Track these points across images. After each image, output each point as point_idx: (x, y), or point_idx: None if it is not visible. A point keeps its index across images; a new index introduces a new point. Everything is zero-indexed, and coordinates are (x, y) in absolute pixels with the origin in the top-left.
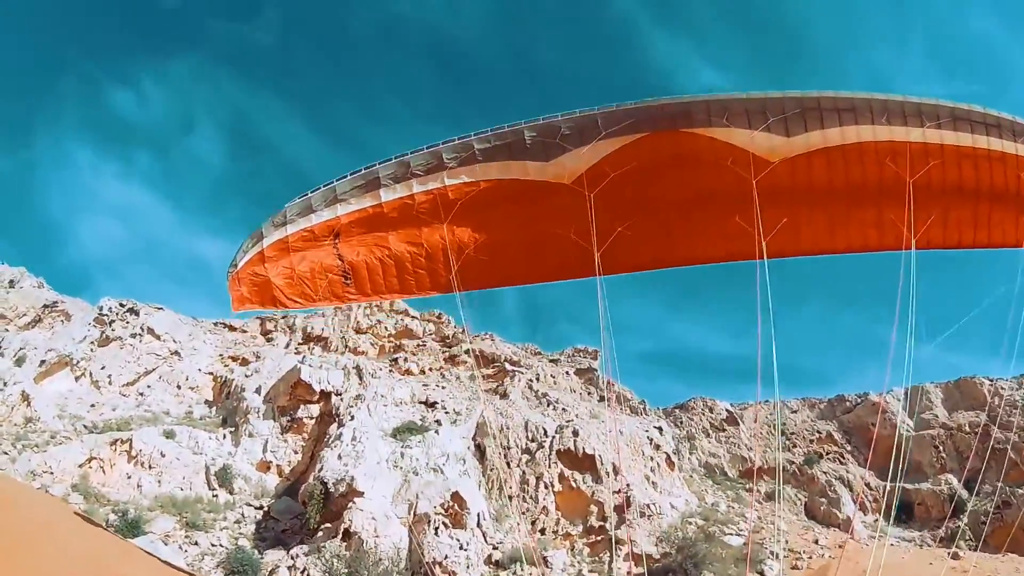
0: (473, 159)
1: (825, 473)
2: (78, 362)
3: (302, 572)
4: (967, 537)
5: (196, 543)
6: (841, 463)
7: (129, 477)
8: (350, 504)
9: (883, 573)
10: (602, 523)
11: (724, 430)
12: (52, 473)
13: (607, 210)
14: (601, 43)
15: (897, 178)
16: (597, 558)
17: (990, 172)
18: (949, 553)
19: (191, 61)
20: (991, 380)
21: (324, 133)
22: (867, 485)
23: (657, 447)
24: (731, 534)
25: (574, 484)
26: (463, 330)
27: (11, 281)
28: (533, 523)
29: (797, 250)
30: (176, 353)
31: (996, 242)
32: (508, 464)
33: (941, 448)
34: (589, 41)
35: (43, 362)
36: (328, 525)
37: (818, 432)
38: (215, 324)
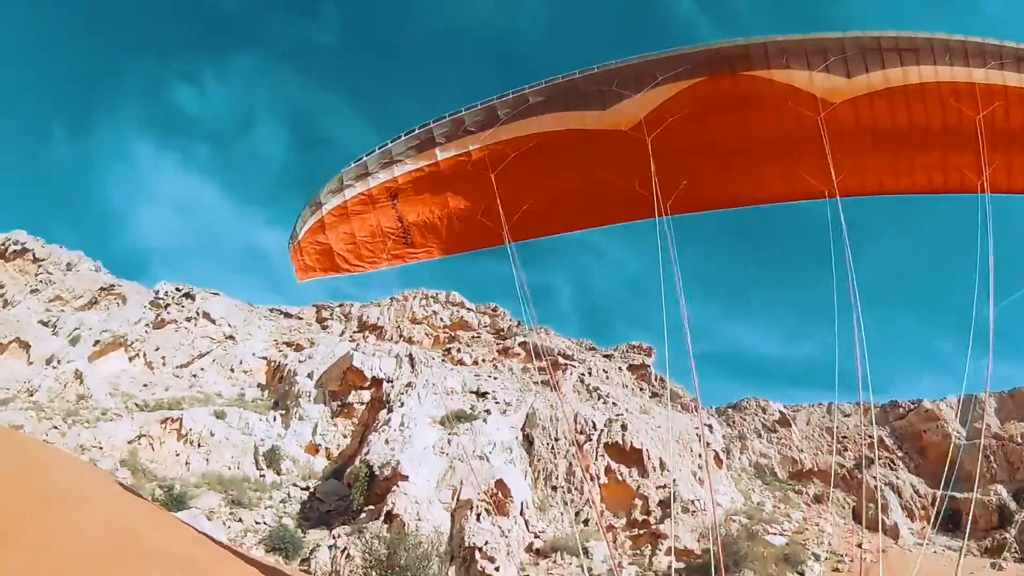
0: (528, 112)
1: (875, 478)
2: (132, 343)
3: (342, 551)
4: (1013, 549)
5: (240, 520)
6: (892, 468)
7: (178, 455)
8: (394, 487)
9: None
10: (645, 517)
11: (776, 431)
12: (101, 448)
13: (667, 155)
14: (663, 45)
15: (961, 119)
16: (639, 551)
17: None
18: (992, 563)
19: (253, 58)
20: None
21: (384, 128)
22: (916, 492)
23: (707, 444)
24: (774, 533)
25: (620, 477)
26: (518, 324)
27: (68, 264)
28: (576, 514)
29: (863, 190)
30: (231, 337)
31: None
32: (555, 455)
33: (992, 458)
34: (651, 49)
35: (97, 342)
36: (371, 507)
37: (869, 437)
38: (270, 310)
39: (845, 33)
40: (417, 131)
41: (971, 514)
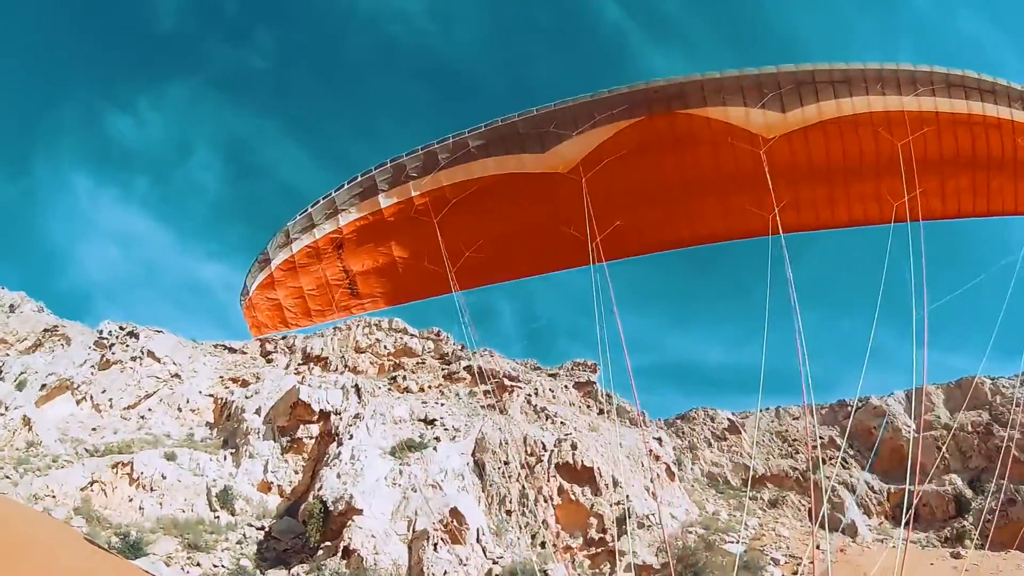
0: (468, 156)
1: (828, 478)
2: (79, 386)
3: None
4: (972, 536)
5: (198, 564)
6: (844, 467)
7: (131, 500)
8: (349, 522)
9: (883, 574)
10: (602, 535)
11: (726, 439)
12: (54, 496)
13: (606, 196)
14: (594, 58)
15: (893, 148)
16: (598, 570)
17: (986, 139)
18: (951, 553)
19: (188, 85)
20: (992, 379)
21: (321, 155)
22: (870, 488)
23: (656, 458)
24: (731, 542)
25: (573, 497)
26: (462, 347)
27: (11, 305)
28: (533, 537)
29: (800, 226)
30: (176, 376)
31: (995, 210)
32: (508, 478)
33: (944, 449)
34: (582, 57)
35: (44, 386)
36: (328, 543)
37: (820, 438)
38: (215, 346)
39: (780, 68)
40: (360, 178)
41: (926, 505)
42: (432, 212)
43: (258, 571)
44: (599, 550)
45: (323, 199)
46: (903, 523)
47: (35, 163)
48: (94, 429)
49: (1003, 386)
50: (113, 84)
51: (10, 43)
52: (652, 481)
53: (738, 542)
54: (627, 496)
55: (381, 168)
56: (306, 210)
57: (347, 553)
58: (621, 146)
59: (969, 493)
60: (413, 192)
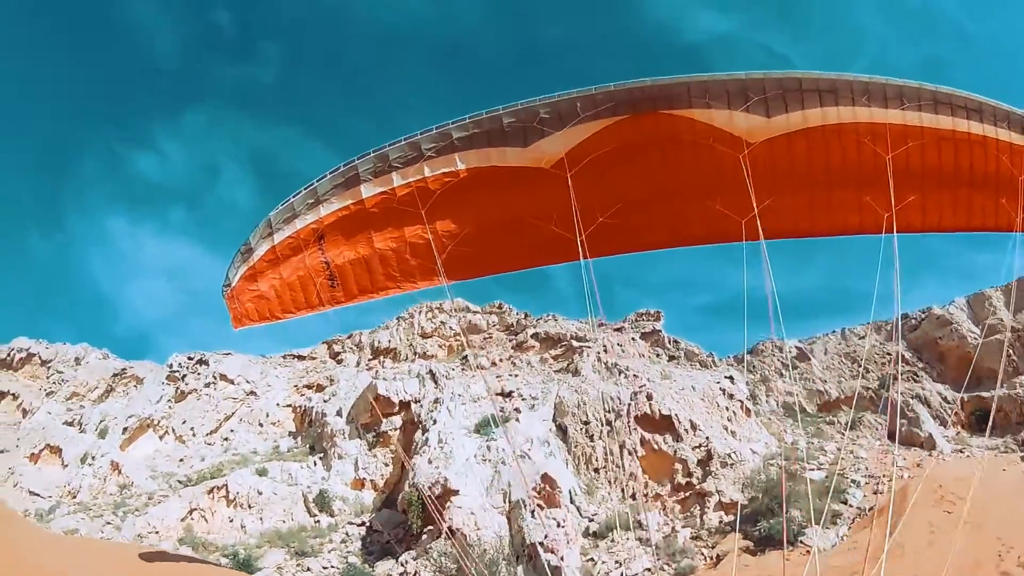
0: (452, 148)
1: (901, 394)
2: (159, 421)
3: (414, 575)
4: None
5: (308, 569)
6: (916, 381)
7: (231, 520)
8: (448, 503)
9: (958, 485)
10: (688, 479)
11: (796, 367)
12: (157, 532)
13: (587, 193)
14: (597, 7)
15: (876, 159)
16: (688, 513)
17: (970, 156)
18: (1022, 456)
19: (203, 111)
20: None
21: (344, 150)
22: (944, 399)
23: (731, 396)
24: (812, 469)
25: (656, 446)
26: (525, 315)
27: (76, 358)
28: (623, 490)
29: (778, 232)
30: (252, 393)
31: (976, 226)
32: (591, 438)
33: (1012, 351)
34: (584, 8)
35: (125, 429)
36: (430, 527)
37: (888, 354)
38: (284, 357)
39: (767, 73)
40: (342, 168)
41: (1000, 411)
42: (417, 204)
43: (366, 565)
44: (687, 494)
45: (305, 189)
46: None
47: (67, 216)
48: (181, 460)
49: None
50: (128, 124)
51: (23, 99)
52: (729, 420)
53: (817, 468)
54: (707, 438)
55: (364, 158)
56: (288, 200)
57: (451, 533)
58: (604, 143)
59: None
60: (396, 183)
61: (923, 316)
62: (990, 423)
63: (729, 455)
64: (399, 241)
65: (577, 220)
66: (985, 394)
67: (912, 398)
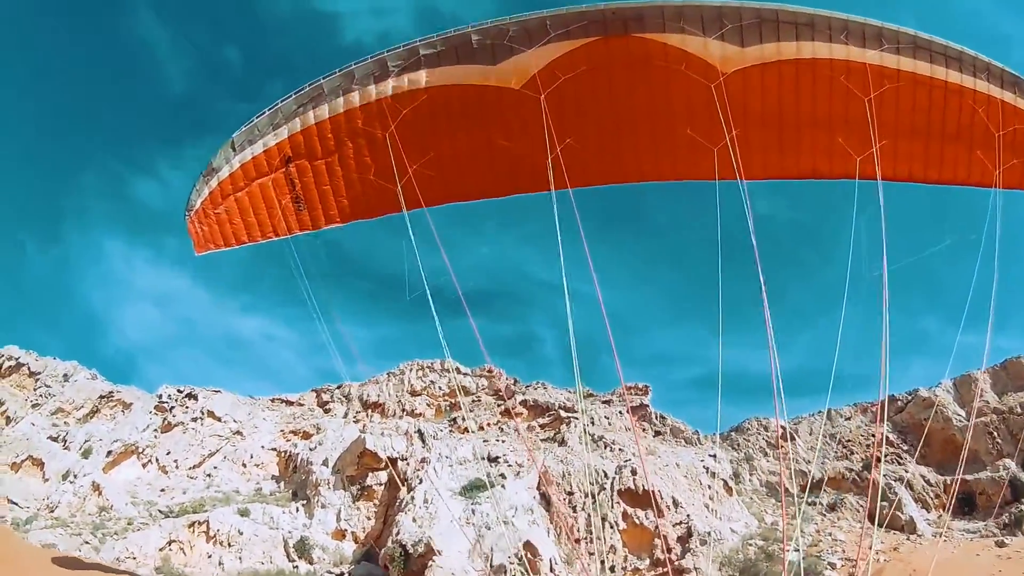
0: (418, 64)
1: (884, 476)
2: (144, 449)
3: None
4: None
5: None
6: (899, 463)
7: (210, 556)
8: (429, 562)
9: (935, 570)
10: (667, 555)
11: (780, 447)
12: (135, 558)
13: (557, 119)
14: None
15: (849, 100)
16: None
17: (945, 105)
18: (996, 542)
19: (205, 145)
20: None
21: None
22: (927, 482)
23: (713, 475)
24: (790, 550)
25: (637, 521)
26: (515, 381)
27: (65, 375)
28: (602, 563)
29: (748, 172)
30: (238, 432)
31: (947, 178)
32: (573, 509)
33: (995, 434)
34: None
35: (109, 452)
36: None
37: (871, 436)
38: (272, 400)
39: (743, 2)
40: (308, 88)
41: (982, 494)
42: (382, 124)
43: None
44: (665, 570)
45: (269, 110)
46: (947, 510)
47: (66, 231)
48: (163, 490)
49: None
50: (133, 150)
51: (26, 121)
52: (711, 499)
53: (795, 550)
54: (688, 515)
55: (329, 77)
56: (252, 121)
57: None
58: (576, 65)
59: None
60: (360, 101)
61: (909, 398)
62: (952, 500)
63: (709, 533)
64: (366, 164)
65: (549, 141)
66: (968, 477)
67: (895, 480)
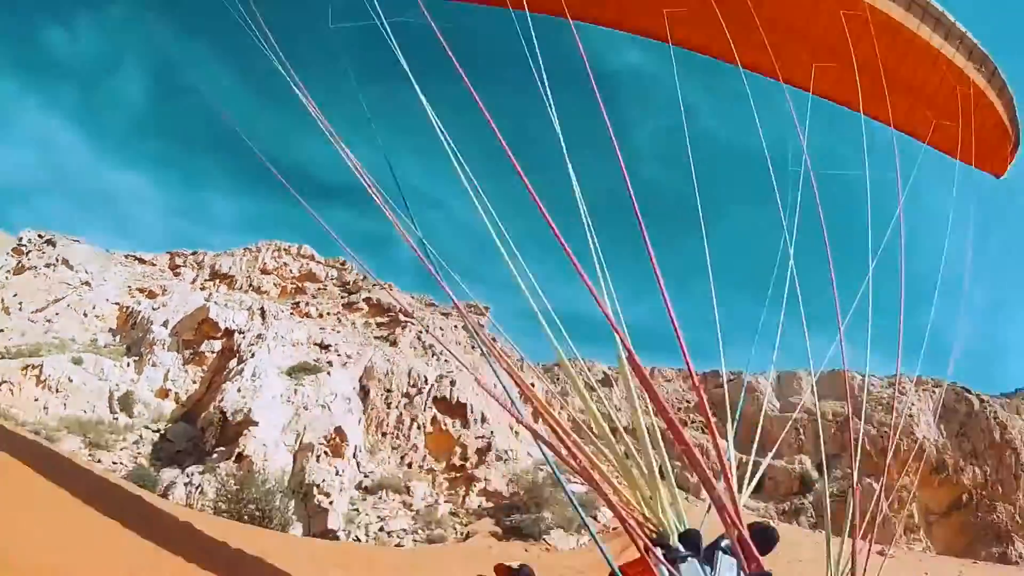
0: None
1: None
2: None
3: (197, 487)
4: (808, 514)
5: (99, 461)
6: (703, 433)
7: (36, 399)
8: (245, 432)
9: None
10: (463, 463)
11: (595, 390)
12: None
13: None
14: None
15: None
16: (453, 492)
17: (905, 56)
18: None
19: (127, 3)
20: (863, 375)
21: (247, 83)
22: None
23: (526, 401)
24: (576, 483)
25: (444, 428)
26: (363, 278)
27: None
28: (402, 458)
29: (689, 40)
30: (87, 283)
31: (883, 118)
32: (388, 405)
33: (801, 431)
34: None
35: None
36: (222, 448)
37: (687, 402)
38: (126, 256)
39: None
40: None
41: (772, 479)
42: None
43: (152, 469)
44: (458, 475)
45: None
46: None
47: None
48: (2, 330)
49: (872, 384)
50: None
51: None
52: (518, 422)
53: (581, 483)
54: (491, 432)
55: None
56: None
57: (240, 458)
58: None
59: (815, 475)
60: None
61: (732, 378)
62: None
63: (506, 451)
64: None
65: None
66: (763, 461)
67: (696, 447)
